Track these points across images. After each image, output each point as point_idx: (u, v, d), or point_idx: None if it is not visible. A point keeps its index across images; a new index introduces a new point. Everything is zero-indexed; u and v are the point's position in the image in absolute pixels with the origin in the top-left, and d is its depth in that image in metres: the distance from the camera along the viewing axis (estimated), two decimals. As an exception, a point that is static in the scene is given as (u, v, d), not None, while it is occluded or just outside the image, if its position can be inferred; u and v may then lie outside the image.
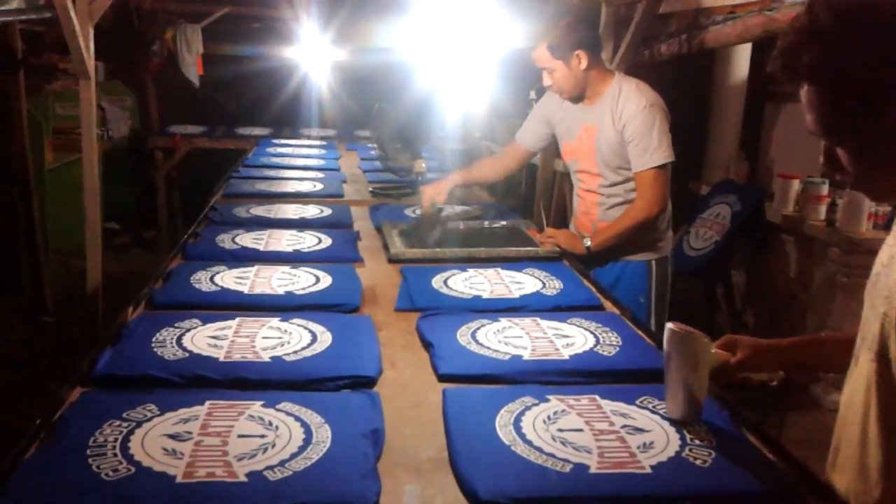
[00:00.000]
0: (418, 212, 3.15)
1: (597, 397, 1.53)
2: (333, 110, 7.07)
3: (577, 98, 2.79)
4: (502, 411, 1.46)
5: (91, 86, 3.87)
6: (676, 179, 5.03)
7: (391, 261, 2.56)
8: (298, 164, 4.56)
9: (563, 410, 1.47)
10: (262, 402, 1.46)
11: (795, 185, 3.86)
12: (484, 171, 3.32)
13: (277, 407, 1.44)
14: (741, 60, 4.51)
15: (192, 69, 6.83)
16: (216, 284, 2.17)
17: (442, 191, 3.07)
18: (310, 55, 6.25)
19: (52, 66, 5.86)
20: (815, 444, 3.18)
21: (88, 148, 3.98)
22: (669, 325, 1.38)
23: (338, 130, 6.97)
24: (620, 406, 1.50)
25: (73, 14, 3.62)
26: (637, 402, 1.52)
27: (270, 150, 5.22)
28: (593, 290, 2.32)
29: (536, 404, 1.50)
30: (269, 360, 1.66)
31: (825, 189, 3.65)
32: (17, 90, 4.78)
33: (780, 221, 3.93)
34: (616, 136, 2.69)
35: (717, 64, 4.59)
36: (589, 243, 2.74)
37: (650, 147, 2.62)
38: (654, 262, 2.82)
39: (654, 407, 1.50)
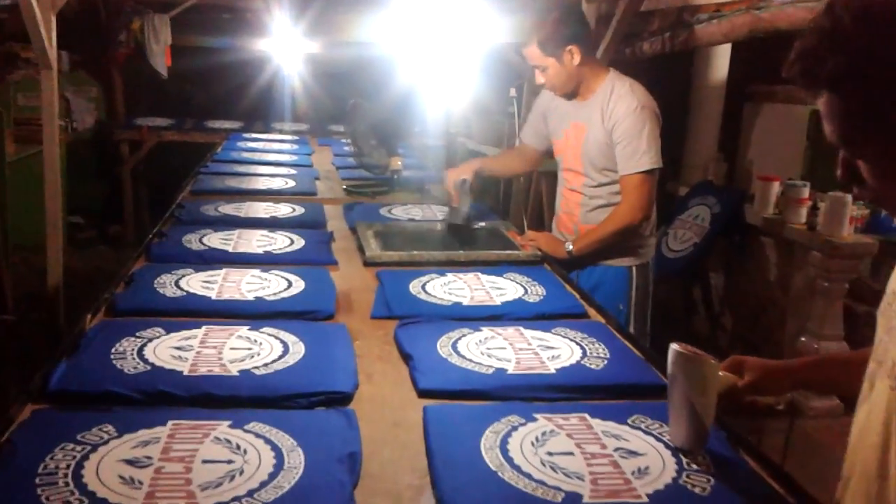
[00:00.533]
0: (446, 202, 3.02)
1: (587, 416, 1.45)
2: (306, 104, 6.96)
3: (571, 95, 2.71)
4: (487, 432, 1.37)
5: (53, 76, 3.73)
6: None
7: (367, 264, 2.46)
8: (270, 160, 4.44)
9: (552, 431, 1.39)
10: (229, 423, 1.35)
11: (776, 187, 3.81)
12: (498, 166, 3.28)
13: (246, 428, 1.34)
14: (721, 60, 4.46)
15: (161, 60, 6.65)
16: (181, 289, 2.05)
17: (467, 170, 2.96)
18: (282, 47, 6.13)
19: (13, 54, 5.67)
20: (796, 451, 3.15)
21: (49, 140, 3.83)
22: (675, 347, 1.29)
23: (310, 125, 6.85)
24: (611, 426, 1.42)
25: (34, 1, 3.46)
26: (629, 422, 1.44)
27: (241, 144, 5.09)
28: (577, 296, 2.23)
29: (523, 424, 1.41)
30: (237, 373, 1.55)
31: (806, 192, 3.60)
32: (-25, 79, 4.59)
33: (760, 224, 3.88)
34: (604, 135, 2.61)
35: (696, 63, 4.54)
36: (571, 247, 2.67)
37: (638, 151, 2.54)
38: (634, 268, 2.74)
39: (646, 427, 1.42)
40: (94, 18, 6.53)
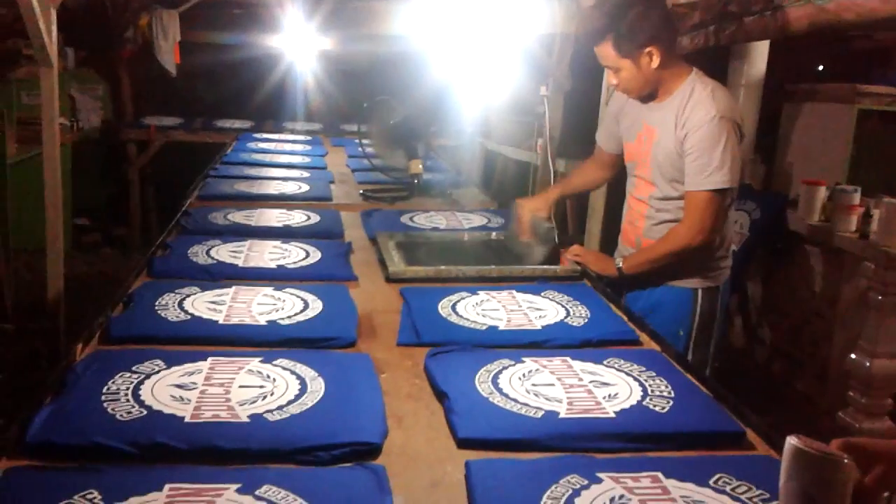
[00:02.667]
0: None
1: (660, 476, 1.22)
2: (319, 103, 6.75)
3: (648, 98, 2.41)
4: (545, 498, 1.15)
5: (53, 73, 3.52)
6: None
7: (389, 280, 2.24)
8: (282, 162, 4.23)
9: (622, 497, 1.16)
10: (237, 486, 1.14)
11: (822, 192, 3.57)
12: (579, 183, 2.91)
13: (257, 493, 1.12)
14: (758, 56, 4.21)
15: (169, 57, 6.47)
16: (186, 311, 1.83)
17: (543, 204, 2.65)
18: (294, 44, 5.92)
19: (16, 51, 5.48)
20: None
21: (50, 141, 3.63)
22: (794, 442, 1.00)
23: (323, 124, 6.65)
24: (691, 489, 1.19)
25: (32, -6, 3.26)
26: (711, 483, 1.21)
27: (251, 145, 4.89)
28: (624, 318, 2.01)
29: (586, 486, 1.19)
30: (247, 419, 1.33)
31: (857, 198, 3.35)
32: (-26, 77, 4.40)
33: (805, 231, 3.64)
34: (676, 144, 2.30)
35: (731, 60, 4.30)
36: (622, 264, 2.40)
37: (709, 166, 2.23)
38: (700, 291, 2.41)
39: (732, 490, 1.20)
40: (100, 14, 6.35)
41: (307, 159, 4.43)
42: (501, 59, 4.07)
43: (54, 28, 3.47)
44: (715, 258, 2.42)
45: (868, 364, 3.19)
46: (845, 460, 0.97)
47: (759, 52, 4.21)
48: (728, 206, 2.37)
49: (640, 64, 2.29)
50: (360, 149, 3.70)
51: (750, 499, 1.18)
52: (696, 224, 2.28)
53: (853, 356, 3.26)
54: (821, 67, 5.97)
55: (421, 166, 3.32)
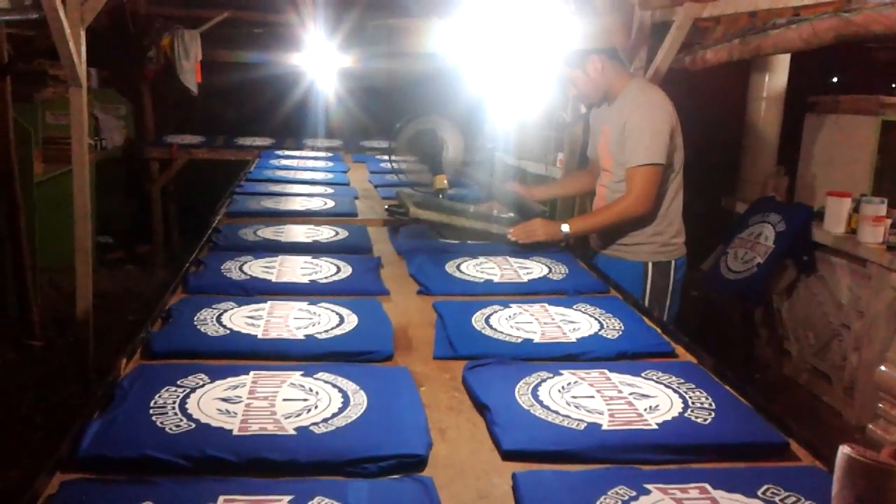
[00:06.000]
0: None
1: (708, 487, 1.22)
2: (339, 119, 6.78)
3: (601, 102, 2.90)
4: (595, 509, 1.15)
5: (82, 93, 3.56)
6: (708, 195, 4.75)
7: (411, 217, 2.83)
8: (306, 178, 4.27)
9: (672, 508, 1.16)
10: (290, 498, 1.15)
11: (847, 203, 3.56)
12: (570, 186, 3.50)
13: (309, 504, 1.13)
14: (779, 69, 4.22)
15: (191, 77, 6.54)
16: (224, 326, 1.85)
17: (537, 194, 3.23)
18: (315, 62, 5.96)
19: (42, 72, 5.55)
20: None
21: (79, 160, 3.66)
22: (847, 451, 1.00)
23: (344, 141, 6.68)
24: (741, 500, 1.20)
25: (62, 15, 3.31)
26: (760, 494, 1.21)
27: (274, 161, 4.93)
28: (658, 330, 2.01)
29: (635, 498, 1.19)
30: (293, 432, 1.35)
31: (883, 209, 3.34)
32: (2, 97, 4.45)
33: (831, 243, 3.63)
34: (621, 131, 2.74)
35: (753, 72, 4.31)
36: (567, 229, 2.77)
37: (641, 143, 2.66)
38: (650, 265, 2.83)
39: (781, 501, 1.19)
40: (123, 35, 6.42)
41: (330, 175, 4.46)
42: (523, 75, 4.09)
43: (83, 49, 3.51)
44: (664, 234, 2.82)
45: (898, 376, 3.16)
46: None
47: (781, 65, 4.22)
48: (665, 182, 2.76)
49: (588, 71, 2.79)
50: (388, 164, 3.72)
51: (800, 510, 1.17)
52: (637, 194, 2.69)
53: (882, 368, 3.22)
54: (835, 80, 5.96)
55: (446, 181, 3.33)
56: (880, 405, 3.27)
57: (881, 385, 3.27)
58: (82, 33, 3.50)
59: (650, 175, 2.68)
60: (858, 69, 5.66)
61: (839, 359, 3.70)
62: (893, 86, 5.75)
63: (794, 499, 1.20)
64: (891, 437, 3.21)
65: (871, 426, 3.31)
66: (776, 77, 4.25)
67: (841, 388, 3.70)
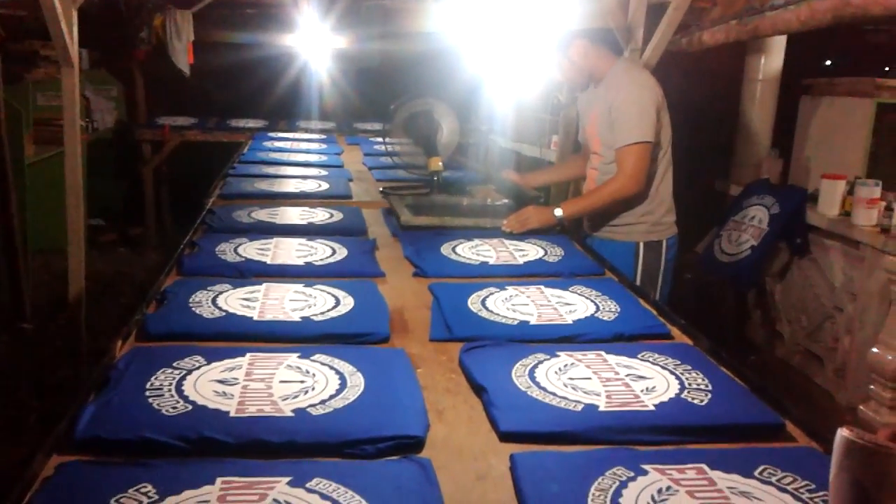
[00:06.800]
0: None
1: (705, 468, 1.23)
2: (333, 101, 6.75)
3: (588, 83, 2.95)
4: (593, 490, 1.16)
5: (74, 73, 3.53)
6: (702, 178, 4.75)
7: (403, 228, 2.71)
8: (300, 161, 4.25)
9: (669, 488, 1.17)
10: (288, 479, 1.15)
11: (842, 186, 3.56)
12: (563, 172, 3.57)
13: (308, 486, 1.13)
14: (775, 50, 4.21)
15: (183, 57, 6.48)
16: (220, 308, 1.85)
17: (530, 181, 3.27)
18: (309, 42, 5.91)
19: (32, 52, 5.49)
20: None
21: (71, 141, 3.63)
22: (845, 434, 0.98)
23: (337, 123, 6.65)
24: (738, 480, 1.20)
25: (54, -5, 3.27)
26: (757, 474, 1.22)
27: (267, 143, 4.91)
28: (654, 312, 2.01)
29: (633, 478, 1.19)
30: (291, 413, 1.34)
31: (878, 191, 3.35)
32: (-7, 78, 4.40)
33: (825, 226, 3.63)
34: (608, 113, 2.78)
35: (748, 54, 4.29)
36: (560, 213, 2.77)
37: (629, 123, 2.70)
38: (642, 245, 2.86)
39: (779, 481, 1.20)
40: (114, 15, 6.36)
41: (324, 157, 4.44)
42: (518, 57, 4.07)
43: (75, 29, 3.47)
44: (654, 213, 2.85)
45: (890, 358, 3.17)
46: None
47: (777, 47, 4.21)
48: (654, 161, 2.80)
49: (571, 55, 2.85)
50: (382, 146, 3.71)
51: (796, 489, 1.18)
52: (628, 173, 2.71)
53: (875, 350, 3.24)
54: (829, 62, 5.95)
55: (441, 164, 3.33)
56: (872, 387, 3.29)
57: (873, 367, 3.28)
58: (74, 13, 3.47)
59: (641, 153, 2.71)
60: (853, 52, 5.65)
61: (831, 341, 3.72)
62: (887, 69, 5.75)
63: (790, 479, 1.21)
64: (882, 419, 3.23)
65: (862, 407, 3.34)
66: (772, 59, 4.23)
67: (833, 370, 3.72)
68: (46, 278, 5.18)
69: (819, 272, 3.78)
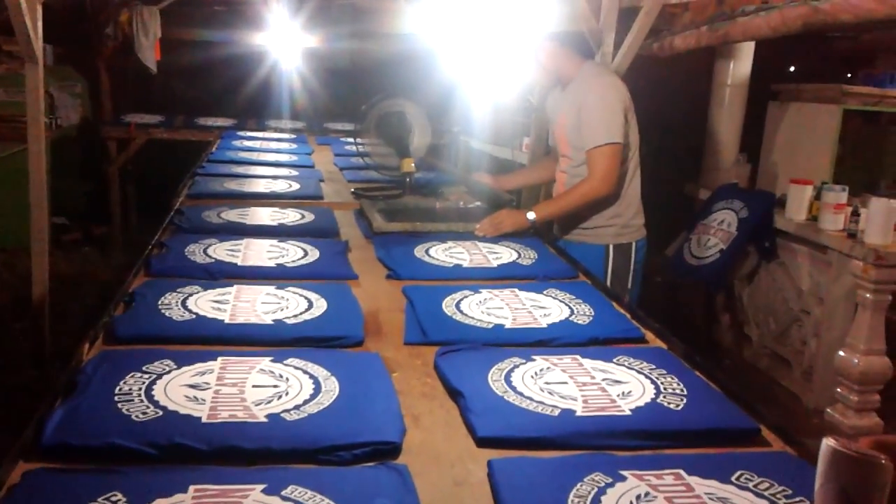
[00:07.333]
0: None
1: (682, 473, 1.23)
2: (303, 101, 6.70)
3: (556, 84, 2.98)
4: (572, 496, 1.15)
5: (38, 69, 3.47)
6: (672, 182, 4.79)
7: (375, 233, 2.67)
8: (270, 160, 4.20)
9: (647, 494, 1.17)
10: (262, 487, 1.12)
11: (809, 191, 3.61)
12: (534, 174, 3.56)
13: (283, 494, 1.11)
14: (744, 57, 4.25)
15: (150, 54, 6.39)
16: (190, 311, 1.81)
17: (503, 184, 3.28)
18: (279, 41, 5.86)
19: (-5, 47, 5.38)
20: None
21: (35, 138, 3.56)
22: (831, 444, 0.99)
23: (308, 122, 6.60)
24: (715, 486, 1.20)
25: (18, -11, 3.20)
26: (734, 480, 1.22)
27: (236, 143, 4.84)
28: (628, 316, 2.01)
29: (611, 484, 1.19)
30: (264, 419, 1.32)
31: (844, 196, 3.40)
32: (-46, 73, 4.31)
33: (792, 230, 3.68)
34: (576, 115, 2.80)
35: (717, 60, 4.33)
36: (533, 216, 2.77)
37: (598, 125, 2.72)
38: (611, 247, 2.90)
39: (756, 486, 1.20)
40: (79, 10, 6.25)
41: (294, 157, 4.40)
42: (490, 59, 4.07)
43: (40, 24, 3.41)
44: (623, 216, 2.89)
45: (856, 361, 3.23)
46: (883, 461, 0.97)
47: (746, 53, 4.25)
48: (623, 162, 2.82)
49: (538, 57, 2.89)
50: (353, 147, 3.68)
51: (773, 495, 1.18)
52: (599, 174, 2.74)
53: (841, 353, 3.30)
54: (792, 69, 6.04)
55: (413, 165, 3.31)
56: (838, 389, 3.35)
57: (840, 370, 3.34)
58: (39, 8, 3.41)
59: (611, 154, 2.74)
60: (817, 58, 5.74)
61: (799, 344, 3.76)
62: (849, 75, 5.85)
63: (766, 484, 1.21)
64: (848, 421, 3.29)
65: (829, 410, 3.39)
66: (740, 64, 4.28)
67: (800, 373, 3.77)
68: (8, 277, 5.08)
69: (787, 276, 3.83)
